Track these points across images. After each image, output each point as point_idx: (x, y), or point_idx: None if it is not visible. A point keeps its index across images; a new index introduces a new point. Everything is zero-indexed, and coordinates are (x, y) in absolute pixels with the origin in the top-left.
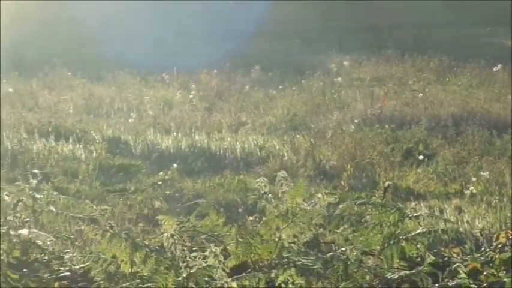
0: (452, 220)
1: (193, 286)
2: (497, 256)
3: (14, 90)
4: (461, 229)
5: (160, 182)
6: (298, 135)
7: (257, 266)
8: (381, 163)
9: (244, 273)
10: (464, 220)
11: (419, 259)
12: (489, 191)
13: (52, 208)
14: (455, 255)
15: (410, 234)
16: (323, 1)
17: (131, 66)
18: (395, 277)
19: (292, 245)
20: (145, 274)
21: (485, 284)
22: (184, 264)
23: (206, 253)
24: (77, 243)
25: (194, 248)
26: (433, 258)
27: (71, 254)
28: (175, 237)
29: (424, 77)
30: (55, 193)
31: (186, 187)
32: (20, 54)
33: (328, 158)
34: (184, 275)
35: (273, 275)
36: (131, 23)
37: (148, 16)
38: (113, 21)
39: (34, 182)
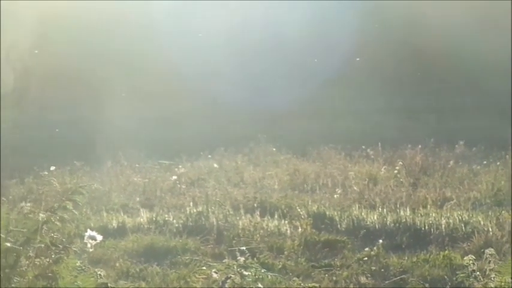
0: None
1: None
2: None
3: (219, 165)
4: None
5: (365, 258)
6: (503, 211)
7: None
8: None
9: None
10: None
11: None
12: None
13: (260, 285)
14: None
15: None
16: None
17: (336, 141)
18: None
19: None
20: None
21: None
22: None
23: None
24: None
25: None
26: None
27: None
28: None
29: None
30: (263, 270)
31: (391, 263)
32: (226, 131)
33: None
34: None
35: None
36: (335, 97)
37: (352, 91)
38: (317, 96)
39: (242, 259)
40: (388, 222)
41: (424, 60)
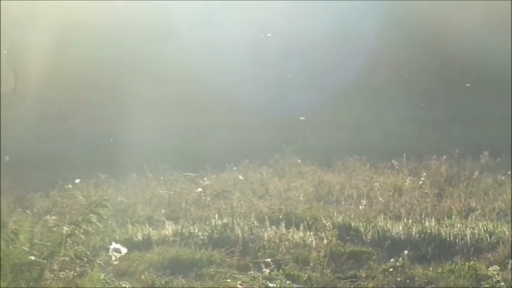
0: None
1: None
2: None
3: (244, 177)
4: None
5: (391, 269)
6: None
7: None
8: None
9: None
10: None
11: None
12: None
13: None
14: None
15: None
16: None
17: (361, 152)
18: None
19: None
20: None
21: None
22: None
23: None
24: None
25: None
26: None
27: None
28: None
29: None
30: (288, 281)
31: (416, 274)
32: (251, 142)
33: None
34: None
35: None
36: (358, 108)
37: (376, 101)
38: (340, 106)
39: (267, 270)
40: (413, 233)
41: (448, 69)
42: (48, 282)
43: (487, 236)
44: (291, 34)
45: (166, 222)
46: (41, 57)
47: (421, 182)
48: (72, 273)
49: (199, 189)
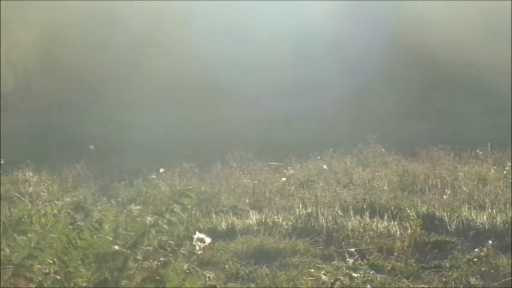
0: None
1: None
2: None
3: (328, 166)
4: None
5: (475, 259)
6: None
7: None
8: None
9: None
10: None
11: None
12: None
13: (369, 287)
14: None
15: None
16: None
17: (445, 142)
18: None
19: None
20: None
21: None
22: None
23: None
24: None
25: None
26: None
27: None
28: None
29: None
30: (372, 271)
31: (501, 264)
32: (335, 131)
33: None
34: None
35: None
36: (442, 98)
37: (459, 91)
38: (424, 97)
39: (351, 260)
40: (497, 223)
41: None
42: (131, 272)
43: None
44: (372, 28)
45: (251, 211)
46: (121, 48)
47: (505, 172)
48: (155, 263)
49: (284, 179)
